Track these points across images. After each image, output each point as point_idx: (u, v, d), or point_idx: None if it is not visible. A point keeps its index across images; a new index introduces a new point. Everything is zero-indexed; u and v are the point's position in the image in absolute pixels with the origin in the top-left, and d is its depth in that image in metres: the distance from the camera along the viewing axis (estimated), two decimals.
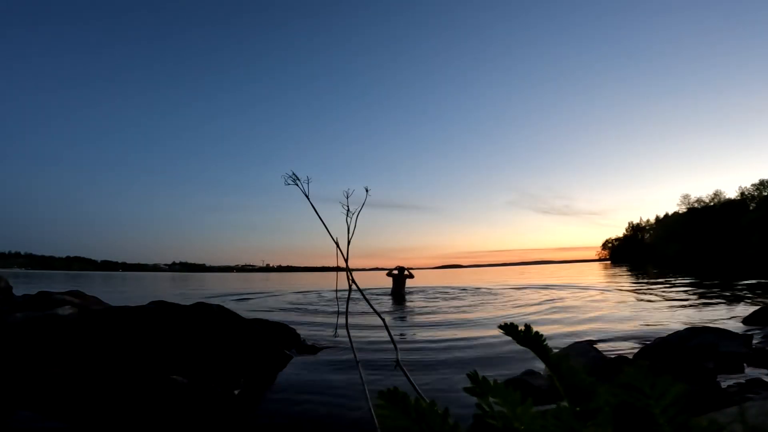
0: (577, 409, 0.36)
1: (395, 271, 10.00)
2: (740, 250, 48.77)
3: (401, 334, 4.35)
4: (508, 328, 0.46)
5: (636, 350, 2.99)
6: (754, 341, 3.20)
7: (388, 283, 10.18)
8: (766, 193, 55.75)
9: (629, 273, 20.58)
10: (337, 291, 1.53)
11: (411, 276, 10.14)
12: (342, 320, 5.70)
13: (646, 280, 13.14)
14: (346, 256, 1.11)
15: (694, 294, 7.88)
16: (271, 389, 2.42)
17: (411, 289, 11.04)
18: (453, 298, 8.69)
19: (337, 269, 1.14)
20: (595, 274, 20.51)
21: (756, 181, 60.26)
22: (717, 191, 63.29)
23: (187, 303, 3.44)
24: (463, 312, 6.15)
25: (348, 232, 1.15)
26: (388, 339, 1.07)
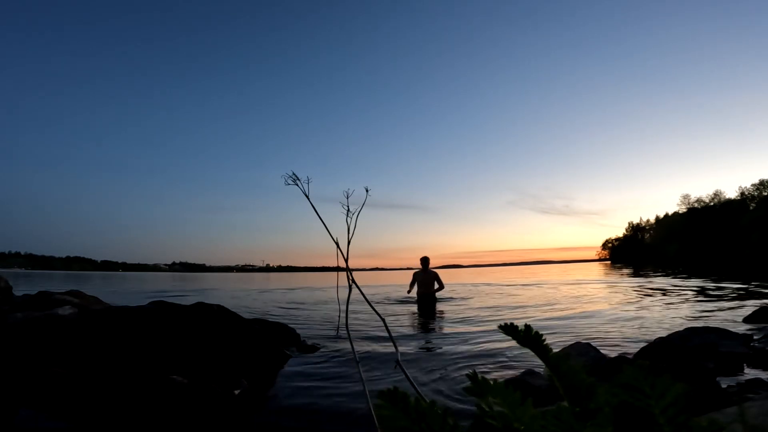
0: (577, 409, 0.36)
1: (419, 269, 7.37)
2: (740, 249, 48.77)
3: (401, 334, 4.35)
4: (508, 328, 0.46)
5: (636, 350, 2.99)
6: (754, 341, 3.20)
7: (390, 281, 9.50)
8: (766, 193, 55.78)
9: (629, 273, 20.57)
10: (338, 291, 1.53)
11: (441, 285, 7.34)
12: (342, 320, 5.70)
13: (646, 280, 13.14)
14: (346, 256, 1.11)
15: (694, 294, 7.88)
16: (271, 389, 2.42)
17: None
18: (453, 298, 8.69)
19: (338, 269, 1.14)
20: (595, 274, 20.51)
21: (756, 181, 60.45)
22: (717, 191, 63.40)
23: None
24: (464, 310, 6.15)
25: (348, 232, 1.15)
26: (389, 339, 1.07)
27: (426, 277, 7.29)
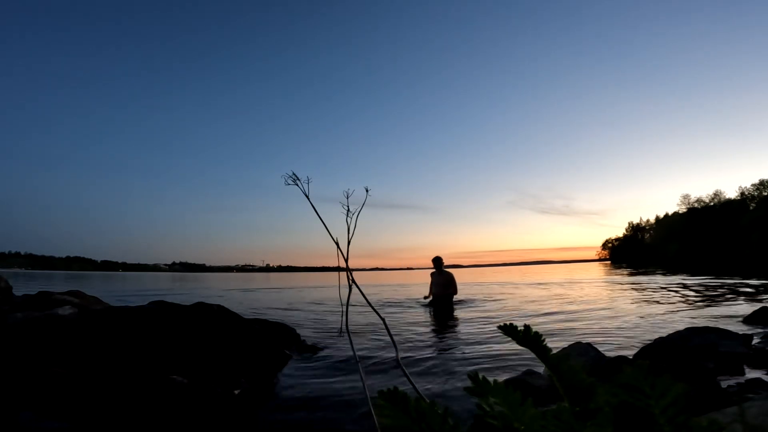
0: (577, 409, 0.37)
1: (434, 270, 6.99)
2: (740, 249, 48.79)
3: (402, 334, 4.35)
4: (507, 329, 0.46)
5: (636, 350, 2.99)
6: (754, 341, 3.20)
7: (390, 281, 9.43)
8: (766, 193, 55.81)
9: (629, 273, 20.57)
10: (339, 291, 1.53)
11: (454, 290, 6.90)
12: (342, 320, 5.68)
13: (645, 280, 13.15)
14: (346, 256, 1.11)
15: (694, 294, 7.88)
16: (272, 389, 2.42)
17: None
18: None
19: (338, 269, 1.14)
20: (595, 274, 20.51)
21: (756, 181, 60.51)
22: (717, 191, 63.44)
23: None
24: (465, 310, 6.15)
25: (348, 232, 1.15)
26: (389, 339, 1.07)
27: (440, 279, 6.91)
